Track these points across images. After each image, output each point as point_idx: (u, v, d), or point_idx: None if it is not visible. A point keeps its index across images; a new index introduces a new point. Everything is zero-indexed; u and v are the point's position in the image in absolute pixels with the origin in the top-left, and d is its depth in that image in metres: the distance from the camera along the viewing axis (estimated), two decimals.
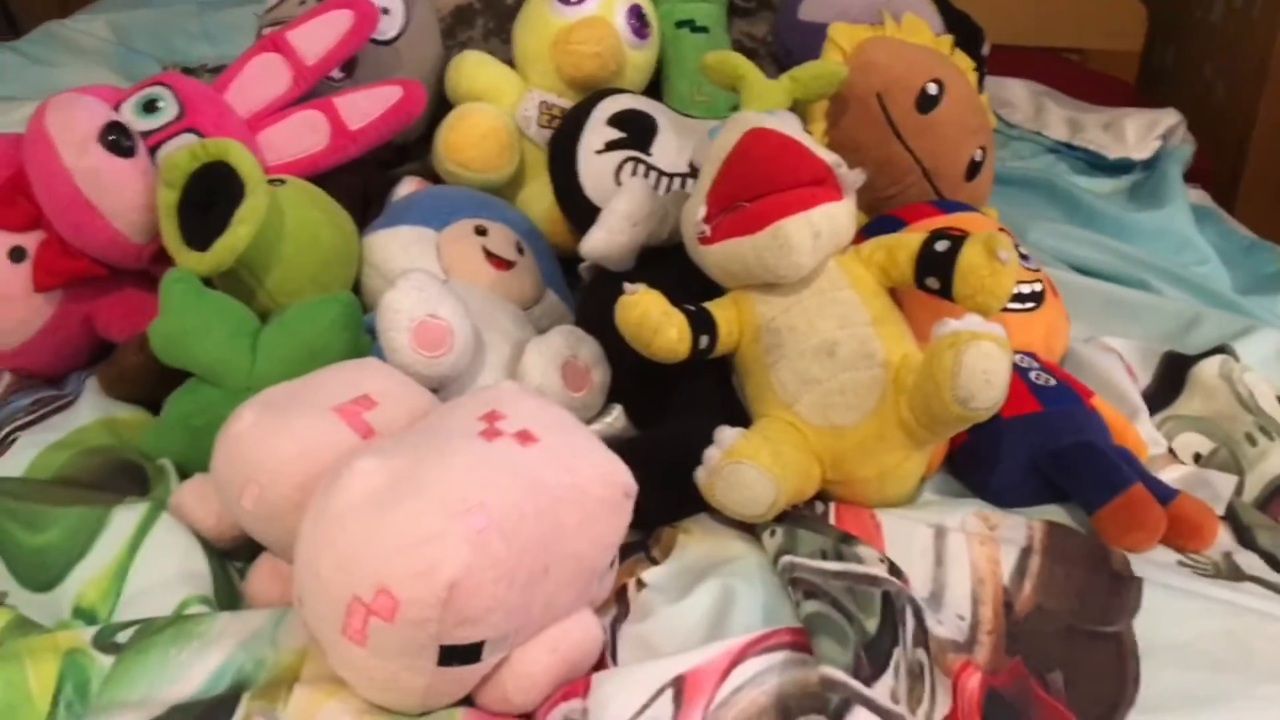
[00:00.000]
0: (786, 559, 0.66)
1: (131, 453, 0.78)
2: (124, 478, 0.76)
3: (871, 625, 0.61)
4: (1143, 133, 1.38)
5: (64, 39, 1.46)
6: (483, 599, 0.56)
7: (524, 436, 0.61)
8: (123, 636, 0.61)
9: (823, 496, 0.76)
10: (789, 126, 0.78)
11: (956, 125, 0.94)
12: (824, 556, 0.67)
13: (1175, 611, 0.65)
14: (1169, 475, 0.81)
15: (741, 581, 0.67)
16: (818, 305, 0.75)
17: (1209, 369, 0.90)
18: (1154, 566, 0.69)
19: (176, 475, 0.76)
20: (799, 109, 0.93)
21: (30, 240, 0.83)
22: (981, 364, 0.66)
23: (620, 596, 0.68)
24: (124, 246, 0.82)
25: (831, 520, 0.74)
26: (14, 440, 0.77)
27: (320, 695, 0.59)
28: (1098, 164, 1.36)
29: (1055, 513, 0.76)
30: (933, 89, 0.92)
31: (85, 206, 0.80)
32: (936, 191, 0.94)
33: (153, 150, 0.85)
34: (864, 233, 0.89)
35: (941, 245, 0.74)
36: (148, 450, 0.78)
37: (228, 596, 0.68)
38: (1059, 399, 0.79)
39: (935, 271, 0.74)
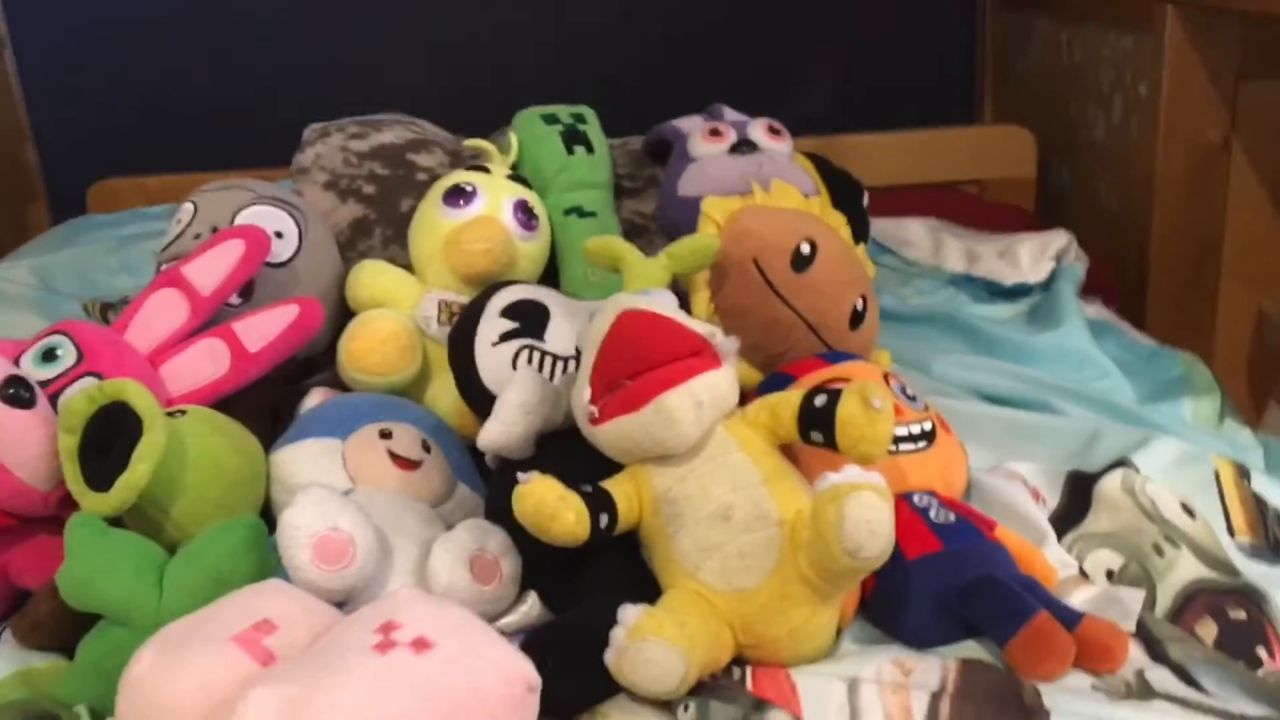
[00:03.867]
0: None
1: (47, 702, 0.77)
2: None
3: None
4: (1036, 256, 1.43)
5: None
6: None
7: (419, 644, 0.61)
8: None
9: (740, 661, 0.76)
10: (662, 304, 0.82)
11: (833, 280, 0.97)
12: None
13: None
14: (1080, 596, 0.82)
15: None
16: (710, 472, 0.77)
17: (1111, 484, 0.92)
18: (1067, 695, 0.70)
19: None
20: (682, 282, 0.97)
21: None
22: (864, 514, 0.68)
23: None
24: (29, 495, 0.83)
25: (748, 685, 0.74)
26: None
27: None
28: (996, 291, 1.41)
29: (973, 649, 0.76)
30: (806, 248, 0.96)
31: None
32: (824, 344, 0.97)
33: (54, 398, 0.87)
34: (757, 391, 0.92)
35: (820, 400, 0.76)
36: (63, 698, 0.78)
37: None
38: (960, 536, 0.81)
39: (817, 426, 0.76)
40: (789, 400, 0.78)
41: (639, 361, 0.77)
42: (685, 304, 0.96)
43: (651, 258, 0.93)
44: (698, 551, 0.76)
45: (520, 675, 0.63)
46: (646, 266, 0.92)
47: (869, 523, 0.68)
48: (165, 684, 0.64)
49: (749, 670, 0.75)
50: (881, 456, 0.74)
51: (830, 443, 0.75)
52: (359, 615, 0.66)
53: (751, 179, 1.05)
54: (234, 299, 1.00)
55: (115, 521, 0.80)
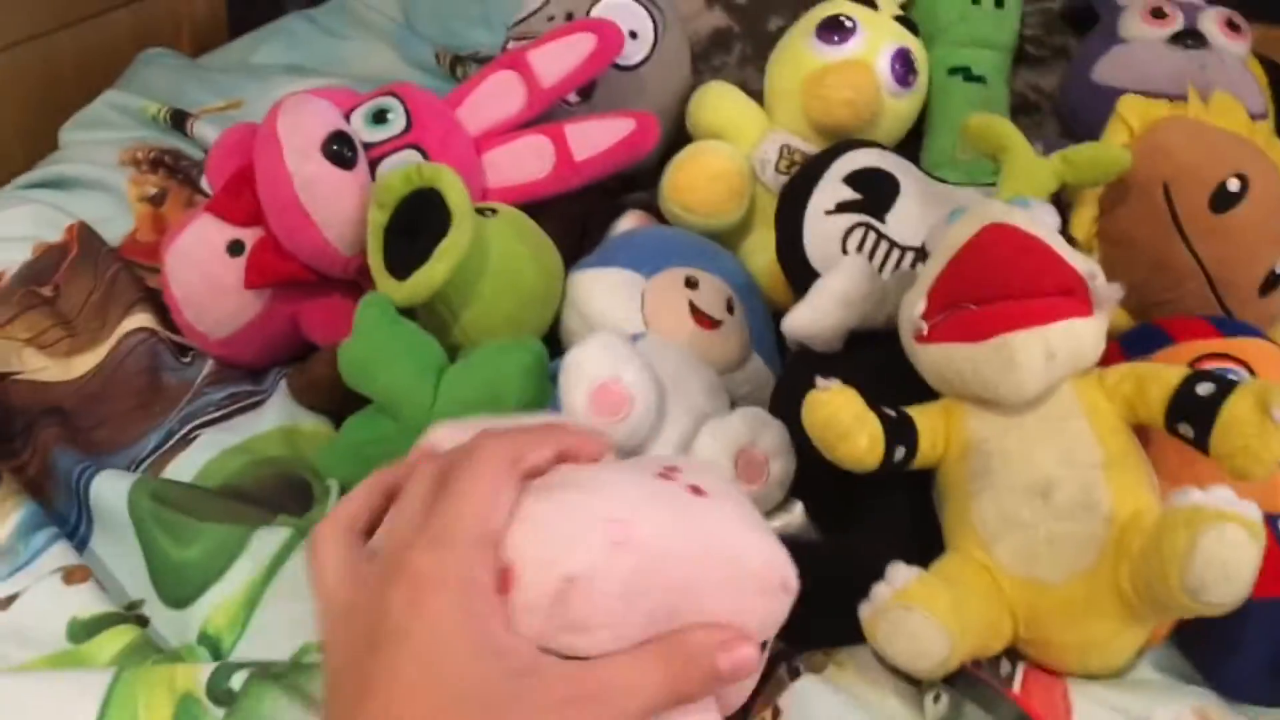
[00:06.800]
0: None
1: (303, 467, 0.78)
2: (290, 493, 0.76)
3: None
4: None
5: (355, 13, 1.50)
6: (596, 609, 0.50)
7: (697, 490, 0.55)
8: (237, 680, 0.60)
9: (1012, 654, 0.66)
10: (1040, 222, 0.68)
11: (1257, 231, 0.79)
12: None
13: None
14: None
15: None
16: (1040, 434, 0.65)
17: None
18: None
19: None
20: (1066, 191, 0.82)
21: (249, 236, 0.85)
22: (1222, 553, 0.55)
23: None
24: (333, 257, 0.82)
25: (1017, 687, 0.64)
26: (196, 437, 0.79)
27: None
28: None
29: None
30: (1234, 185, 0.78)
31: (300, 212, 0.80)
32: (1221, 305, 0.80)
33: (375, 163, 0.84)
34: (1122, 342, 0.77)
35: (1204, 388, 0.62)
36: (319, 469, 0.78)
37: None
38: None
39: (1190, 419, 0.62)
40: (1163, 377, 0.64)
41: (994, 286, 0.65)
42: (1064, 217, 0.81)
43: (1041, 158, 0.78)
44: (999, 521, 0.65)
45: (780, 567, 0.55)
46: (1033, 166, 0.77)
47: (1225, 564, 0.55)
48: None
49: (1020, 669, 0.65)
50: (1263, 477, 0.60)
51: (1202, 443, 0.61)
52: (636, 458, 0.60)
53: (1189, 81, 0.86)
54: (572, 97, 0.93)
55: (405, 312, 0.78)
